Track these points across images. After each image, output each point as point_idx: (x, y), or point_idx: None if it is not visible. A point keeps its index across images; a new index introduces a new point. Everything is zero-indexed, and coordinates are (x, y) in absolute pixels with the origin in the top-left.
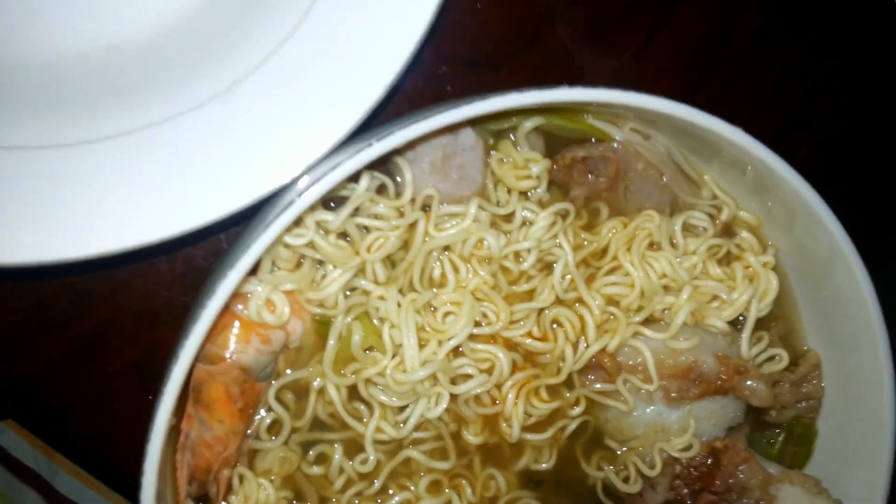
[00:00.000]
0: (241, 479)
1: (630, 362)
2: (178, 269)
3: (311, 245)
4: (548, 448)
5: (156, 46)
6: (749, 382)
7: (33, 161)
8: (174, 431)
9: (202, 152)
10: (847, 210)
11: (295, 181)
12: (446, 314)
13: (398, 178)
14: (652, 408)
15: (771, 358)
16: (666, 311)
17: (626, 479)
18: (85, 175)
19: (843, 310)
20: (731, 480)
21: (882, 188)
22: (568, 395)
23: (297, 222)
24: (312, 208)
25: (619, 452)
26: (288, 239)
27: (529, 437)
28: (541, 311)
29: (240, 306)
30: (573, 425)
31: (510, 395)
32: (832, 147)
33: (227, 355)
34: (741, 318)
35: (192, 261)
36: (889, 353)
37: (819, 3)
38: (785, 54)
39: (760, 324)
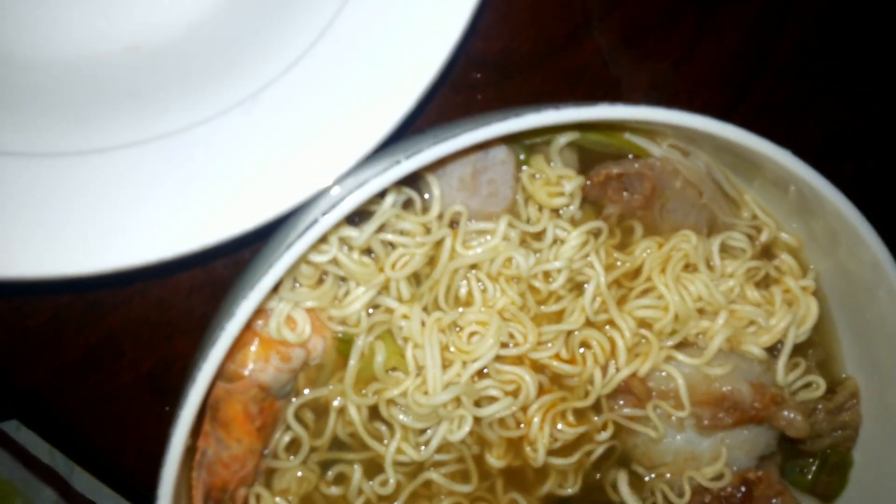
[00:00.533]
0: (258, 498)
1: (661, 388)
2: (198, 279)
3: (334, 262)
4: (573, 473)
5: (177, 50)
6: (785, 413)
7: (47, 170)
8: (190, 450)
9: (223, 164)
10: (893, 230)
11: (320, 195)
12: (472, 334)
13: (426, 194)
14: (682, 435)
15: (807, 385)
16: (700, 336)
17: None
18: (100, 186)
19: (885, 337)
20: None
21: None
22: (596, 419)
23: (321, 238)
24: (336, 224)
25: (646, 479)
26: (311, 256)
27: (555, 461)
28: (569, 332)
29: (260, 323)
30: (600, 450)
31: (536, 419)
32: (877, 163)
33: (246, 373)
34: (779, 344)
35: (211, 271)
36: None
37: (863, 13)
38: (828, 66)
39: (798, 350)
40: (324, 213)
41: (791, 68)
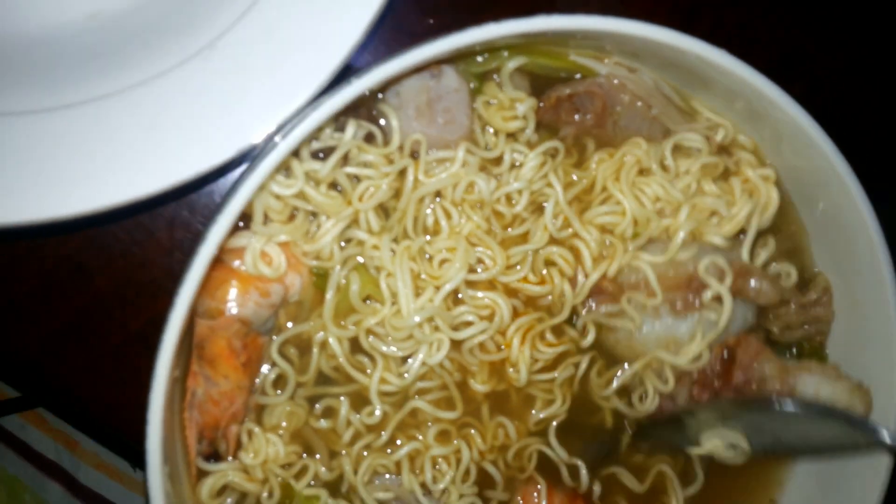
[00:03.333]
0: (250, 434)
1: (632, 280)
2: (177, 237)
3: (302, 197)
4: (559, 392)
5: (136, 12)
6: (753, 282)
7: (20, 126)
8: (181, 390)
9: (187, 107)
10: (842, 149)
11: (279, 130)
12: (442, 261)
13: (385, 126)
14: (660, 322)
15: (779, 275)
16: (659, 238)
17: (641, 399)
18: (71, 137)
19: (840, 232)
20: (748, 373)
21: (878, 126)
22: (575, 322)
23: (288, 174)
24: (301, 159)
25: (634, 372)
26: (278, 189)
27: (540, 377)
28: (536, 253)
29: (237, 262)
30: (584, 363)
31: (515, 340)
32: (827, 85)
33: (227, 309)
34: (742, 236)
35: (189, 226)
36: (893, 276)
37: None
38: None
39: (764, 236)
40: (283, 137)
41: None
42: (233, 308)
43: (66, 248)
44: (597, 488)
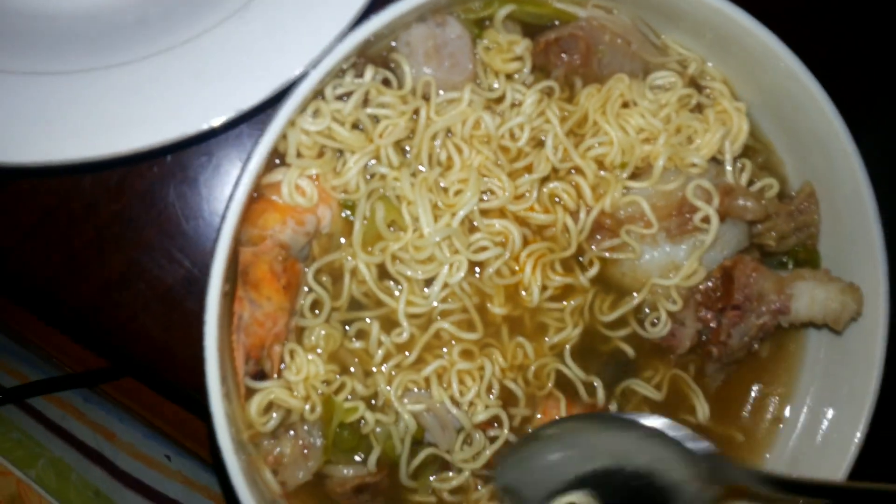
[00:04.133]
0: (293, 354)
1: (628, 213)
2: (218, 192)
3: (329, 135)
4: (569, 318)
5: None
6: (740, 201)
7: (88, 80)
8: (229, 313)
9: (229, 56)
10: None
11: (308, 71)
12: (457, 192)
13: (398, 72)
14: (659, 249)
15: (761, 189)
16: (646, 169)
17: (654, 324)
18: (132, 87)
19: (815, 141)
20: (747, 290)
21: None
22: (581, 259)
23: (316, 114)
24: (327, 101)
25: (639, 301)
26: (309, 126)
27: (551, 304)
28: (542, 184)
29: (274, 196)
30: (591, 294)
31: (528, 266)
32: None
33: (268, 235)
34: (719, 159)
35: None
36: (868, 182)
37: None
38: None
39: (740, 159)
40: (314, 67)
41: None
42: (273, 234)
43: (119, 203)
44: (613, 406)
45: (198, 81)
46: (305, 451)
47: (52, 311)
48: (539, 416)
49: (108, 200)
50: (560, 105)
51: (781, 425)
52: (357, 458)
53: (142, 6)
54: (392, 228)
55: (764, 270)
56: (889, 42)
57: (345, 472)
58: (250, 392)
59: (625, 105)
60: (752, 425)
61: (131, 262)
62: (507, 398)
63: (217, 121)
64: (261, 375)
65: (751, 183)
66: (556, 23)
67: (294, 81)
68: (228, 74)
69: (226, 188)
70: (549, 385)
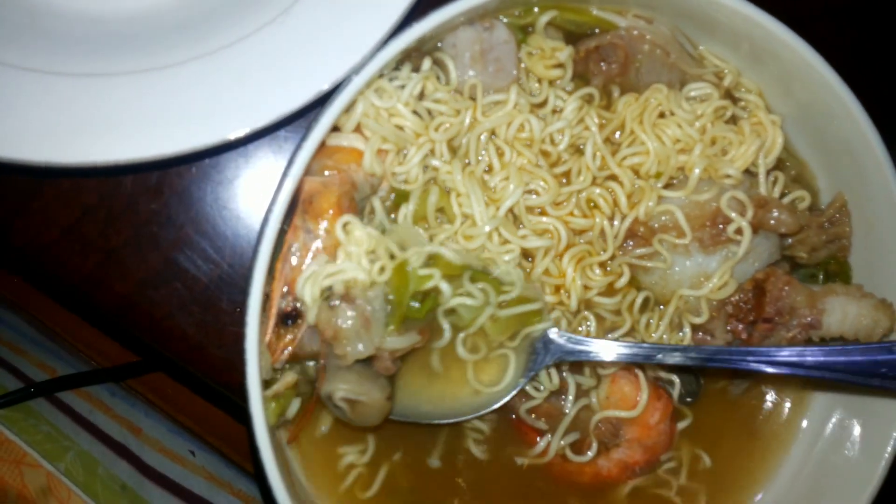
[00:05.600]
0: (347, 228)
1: (662, 222)
2: (256, 195)
3: (394, 116)
4: (626, 313)
5: None
6: (774, 213)
7: (130, 83)
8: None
9: (269, 61)
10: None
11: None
12: (502, 189)
13: (444, 71)
14: (691, 260)
15: (793, 201)
16: (680, 179)
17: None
18: (174, 90)
19: (847, 151)
20: (779, 304)
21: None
22: (610, 263)
23: (380, 92)
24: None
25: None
26: (376, 101)
27: (601, 300)
28: (579, 193)
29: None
30: (640, 299)
31: (569, 269)
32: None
33: (344, 168)
34: (752, 173)
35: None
36: None
37: None
38: None
39: (772, 172)
40: (356, 73)
41: None
42: (347, 171)
43: (158, 202)
44: None
45: (238, 86)
46: (367, 324)
47: (89, 308)
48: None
49: (147, 200)
50: (598, 112)
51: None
52: None
53: (183, 9)
54: (438, 219)
55: (796, 284)
56: None
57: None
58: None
59: (661, 115)
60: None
61: (168, 261)
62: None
63: (256, 125)
64: (293, 315)
65: (783, 195)
66: (596, 31)
67: (335, 87)
68: (269, 79)
69: (262, 190)
70: None
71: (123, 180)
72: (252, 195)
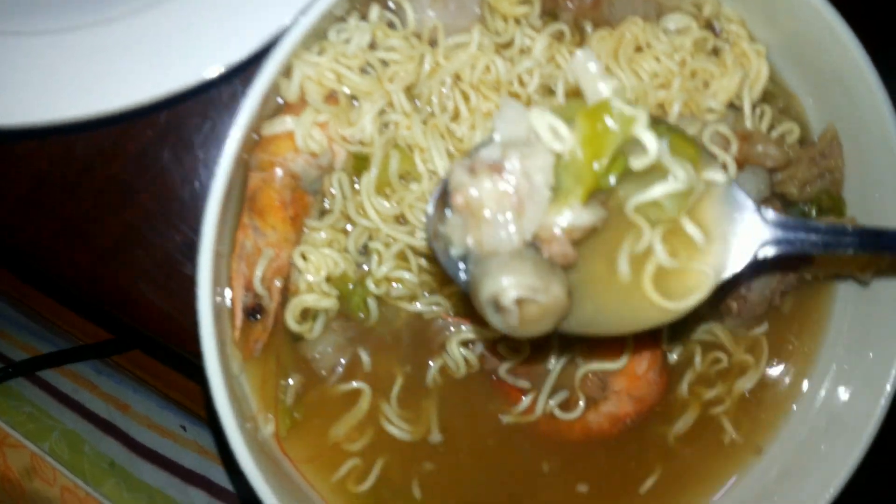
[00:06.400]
0: (305, 256)
1: None
2: (213, 154)
3: (339, 80)
4: None
5: None
6: (759, 147)
7: (73, 39)
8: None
9: (212, 10)
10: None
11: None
12: (468, 139)
13: (400, 14)
14: None
15: (782, 135)
16: (661, 114)
17: None
18: (122, 43)
19: (836, 82)
20: None
21: None
22: None
23: (322, 52)
24: (332, 42)
25: None
26: (316, 60)
27: None
28: None
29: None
30: None
31: None
32: None
33: (279, 161)
34: (736, 107)
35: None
36: (894, 121)
37: None
38: None
39: (759, 105)
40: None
41: None
42: (284, 162)
43: (113, 168)
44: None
45: (187, 34)
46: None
47: (48, 280)
48: None
49: (102, 164)
50: (570, 50)
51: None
52: None
53: None
54: (402, 180)
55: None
56: None
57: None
58: (248, 325)
59: (637, 49)
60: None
61: (127, 228)
62: None
63: (209, 73)
64: (257, 310)
65: (770, 128)
66: None
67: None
68: (218, 27)
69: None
70: None
71: (76, 145)
72: (211, 156)
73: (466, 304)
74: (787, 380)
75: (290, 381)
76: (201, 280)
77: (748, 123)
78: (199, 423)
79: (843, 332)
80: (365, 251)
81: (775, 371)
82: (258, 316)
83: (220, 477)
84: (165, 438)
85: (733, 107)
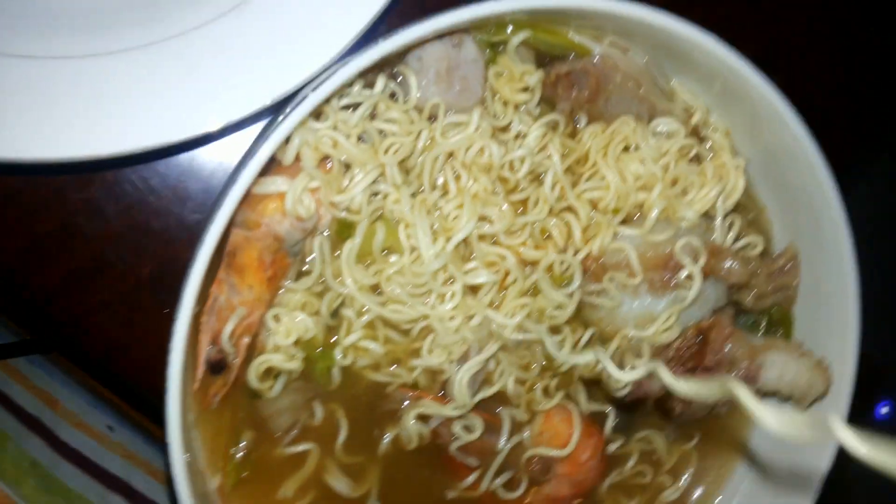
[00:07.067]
0: (277, 318)
1: (614, 261)
2: (192, 188)
3: (334, 146)
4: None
5: None
6: (725, 263)
7: (63, 70)
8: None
9: (220, 60)
10: (819, 136)
11: (307, 84)
12: (455, 218)
13: (404, 86)
14: (639, 300)
15: (746, 246)
16: (638, 217)
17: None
18: (113, 82)
19: (805, 204)
20: (720, 355)
21: (857, 117)
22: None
23: (321, 118)
24: (333, 109)
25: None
26: (315, 127)
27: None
28: (534, 223)
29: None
30: (586, 337)
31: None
32: (806, 78)
33: (265, 222)
34: (711, 216)
35: (209, 180)
36: (853, 256)
37: None
38: None
39: (730, 214)
40: (314, 90)
41: None
42: (270, 223)
43: (87, 192)
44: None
45: (184, 84)
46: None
47: (7, 299)
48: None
49: (76, 188)
50: (563, 141)
51: None
52: None
53: None
54: (385, 252)
55: (739, 336)
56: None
57: None
58: (209, 381)
59: (625, 149)
60: None
61: (95, 255)
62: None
63: (208, 127)
64: (220, 365)
65: (737, 238)
66: (571, 55)
67: (291, 94)
68: (218, 79)
69: (201, 187)
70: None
71: (48, 165)
72: (189, 192)
73: (429, 379)
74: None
75: (243, 438)
76: (175, 346)
77: (717, 232)
78: (127, 424)
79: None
80: (336, 315)
81: (693, 492)
82: (221, 370)
83: (142, 484)
84: (91, 439)
85: (706, 214)
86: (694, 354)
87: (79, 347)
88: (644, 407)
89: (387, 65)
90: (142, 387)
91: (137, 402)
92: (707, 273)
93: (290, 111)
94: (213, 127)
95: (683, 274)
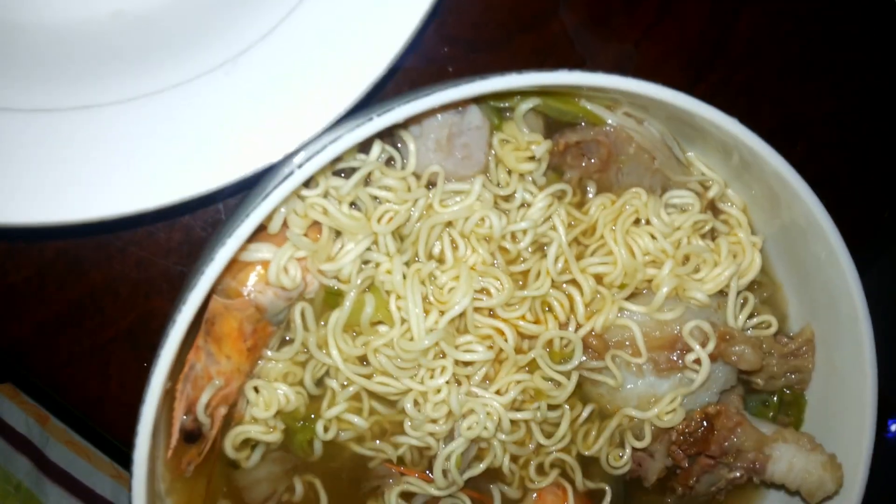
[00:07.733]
0: (257, 389)
1: (618, 338)
2: (176, 239)
3: (325, 213)
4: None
5: (161, 14)
6: (736, 347)
7: (35, 124)
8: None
9: (204, 121)
10: (838, 211)
11: (295, 153)
12: (451, 290)
13: (402, 151)
14: (643, 380)
15: (760, 324)
16: (648, 287)
17: (618, 458)
18: (86, 139)
19: (821, 284)
20: (726, 444)
21: (875, 191)
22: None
23: (311, 186)
24: (325, 175)
25: (611, 430)
26: (297, 207)
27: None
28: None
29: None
30: (586, 412)
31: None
32: (825, 150)
33: (245, 292)
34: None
35: (190, 231)
36: (872, 342)
37: (820, 2)
38: (785, 53)
39: (743, 293)
40: (299, 166)
41: (749, 53)
42: (252, 292)
43: (65, 241)
44: None
45: (165, 144)
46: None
47: None
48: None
49: (55, 236)
50: (569, 210)
51: None
52: None
53: (117, 33)
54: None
55: (747, 426)
56: None
57: None
58: (182, 448)
59: (636, 222)
60: None
61: (72, 305)
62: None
63: (189, 193)
64: (195, 434)
65: (751, 316)
66: (582, 122)
67: (281, 161)
68: (201, 143)
69: (183, 241)
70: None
71: None
72: (171, 244)
73: (415, 454)
74: None
75: None
76: (144, 416)
77: (730, 311)
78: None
79: None
80: (320, 383)
81: None
82: (196, 440)
83: None
84: (80, 458)
85: (720, 292)
86: (699, 440)
87: (52, 399)
88: (643, 484)
89: (385, 130)
90: (119, 439)
91: (114, 453)
92: (716, 357)
93: (280, 183)
94: (186, 195)
95: (691, 358)
